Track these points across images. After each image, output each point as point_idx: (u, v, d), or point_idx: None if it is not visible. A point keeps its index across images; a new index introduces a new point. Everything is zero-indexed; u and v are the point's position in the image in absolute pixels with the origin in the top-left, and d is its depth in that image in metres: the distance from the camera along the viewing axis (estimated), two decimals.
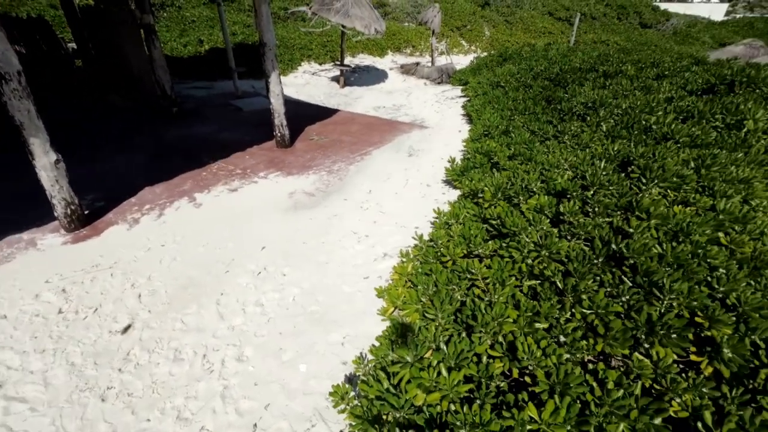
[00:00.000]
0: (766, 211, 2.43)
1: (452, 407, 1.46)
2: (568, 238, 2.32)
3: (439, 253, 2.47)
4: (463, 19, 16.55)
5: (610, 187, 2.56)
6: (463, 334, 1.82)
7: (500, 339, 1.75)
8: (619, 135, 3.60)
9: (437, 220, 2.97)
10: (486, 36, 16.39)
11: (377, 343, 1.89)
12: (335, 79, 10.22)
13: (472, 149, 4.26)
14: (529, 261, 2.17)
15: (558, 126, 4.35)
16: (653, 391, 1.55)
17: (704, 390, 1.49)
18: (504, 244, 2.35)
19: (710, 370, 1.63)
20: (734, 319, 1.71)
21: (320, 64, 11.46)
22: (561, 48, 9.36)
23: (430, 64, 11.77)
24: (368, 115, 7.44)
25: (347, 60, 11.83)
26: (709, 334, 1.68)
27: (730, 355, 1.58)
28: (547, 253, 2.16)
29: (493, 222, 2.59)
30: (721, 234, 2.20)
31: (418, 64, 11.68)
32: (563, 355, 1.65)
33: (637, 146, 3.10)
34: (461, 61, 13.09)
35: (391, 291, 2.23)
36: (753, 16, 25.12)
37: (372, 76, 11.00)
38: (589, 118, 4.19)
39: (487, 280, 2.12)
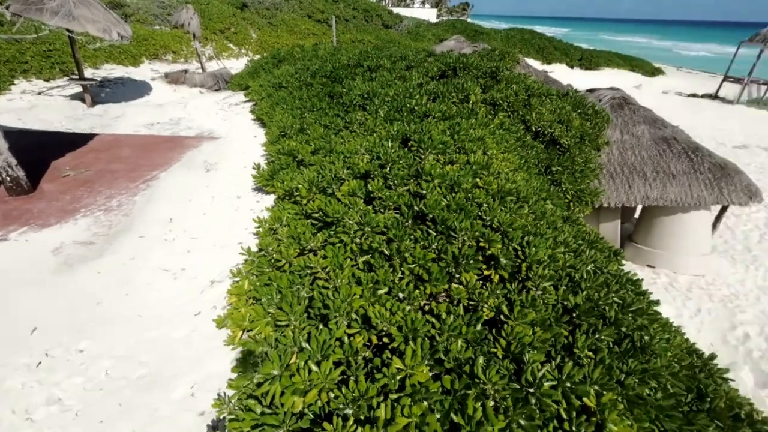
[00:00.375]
0: (498, 157, 3.39)
1: (331, 395, 1.51)
2: (382, 211, 2.65)
3: (273, 260, 2.41)
4: (225, 22, 15.80)
5: (401, 161, 3.04)
6: (321, 326, 1.86)
7: (354, 316, 1.88)
8: (394, 118, 4.26)
9: (260, 228, 2.87)
10: (253, 38, 16.17)
11: (234, 375, 1.73)
12: (78, 97, 8.16)
13: (274, 152, 4.24)
14: (357, 240, 2.37)
15: (345, 117, 4.79)
16: (470, 306, 1.99)
17: (497, 292, 2.03)
18: (332, 233, 2.49)
19: (497, 277, 2.21)
20: (500, 236, 2.36)
21: (47, 80, 8.90)
22: (328, 48, 10.19)
23: (200, 71, 10.82)
24: (140, 135, 6.32)
25: (89, 72, 9.59)
26: (490, 252, 2.26)
27: (504, 261, 2.18)
28: (369, 229, 2.41)
29: (316, 215, 2.69)
30: (478, 180, 2.95)
31: (186, 71, 10.55)
32: (405, 308, 1.92)
33: (410, 125, 3.76)
34: (234, 65, 12.56)
35: (233, 315, 2.05)
36: (454, 19, 33.41)
37: (130, 90, 9.31)
38: (368, 107, 4.78)
39: (327, 269, 2.22)
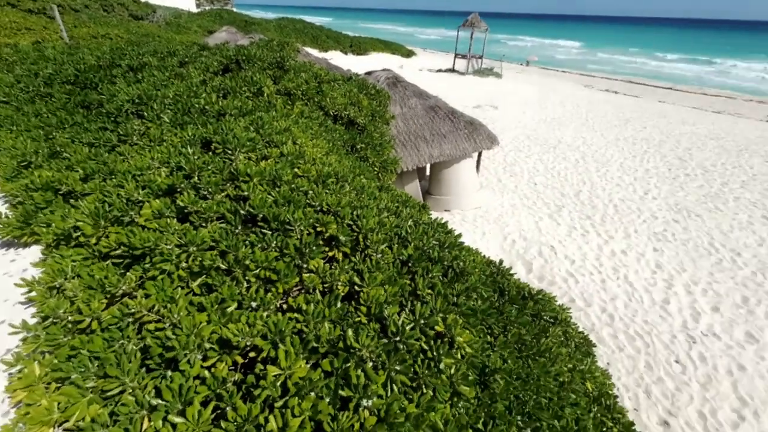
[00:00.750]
0: (308, 145, 3.48)
1: None
2: (203, 225, 2.37)
3: (69, 325, 1.86)
4: None
5: (209, 167, 2.76)
6: (169, 373, 1.59)
7: (207, 345, 1.67)
8: (184, 122, 3.77)
9: (33, 292, 2.14)
10: None
11: None
12: None
13: (19, 189, 3.15)
14: (184, 264, 2.07)
15: (117, 130, 3.94)
16: (325, 289, 2.06)
17: (346, 267, 2.15)
18: (147, 266, 2.08)
19: (341, 255, 2.34)
20: (332, 217, 2.48)
21: None
22: (59, 46, 7.97)
23: None
24: None
25: None
26: (328, 234, 2.36)
27: (343, 239, 2.32)
28: (195, 249, 2.14)
29: (117, 252, 2.20)
30: (296, 170, 2.97)
31: None
32: (263, 315, 1.83)
33: (206, 126, 3.41)
34: None
35: (32, 415, 1.51)
36: (218, 9, 31.10)
37: None
38: (146, 114, 4.06)
39: (155, 308, 1.87)
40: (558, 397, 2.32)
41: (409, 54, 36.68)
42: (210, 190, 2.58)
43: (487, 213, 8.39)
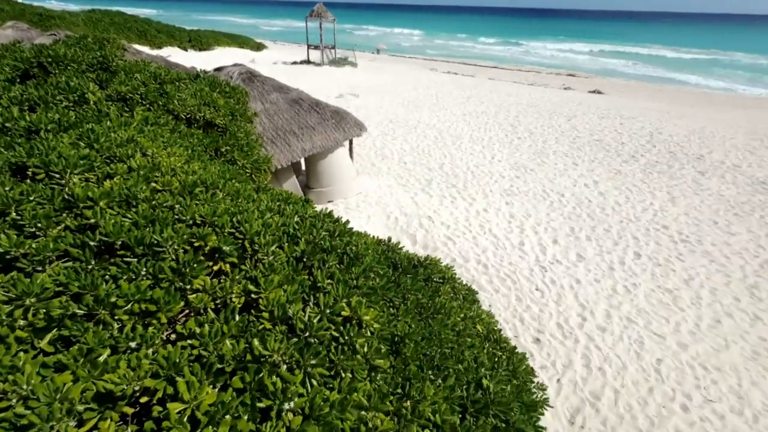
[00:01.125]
0: (162, 155, 3.07)
1: None
2: (39, 269, 1.91)
3: None
4: None
5: (30, 197, 2.21)
6: None
7: (79, 408, 1.39)
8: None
9: None
10: None
11: None
12: None
13: None
14: (22, 322, 1.65)
15: None
16: (218, 306, 1.90)
17: (237, 278, 2.02)
18: None
19: (228, 266, 2.17)
20: (210, 228, 2.27)
21: None
22: None
23: None
24: None
25: None
26: (209, 248, 2.16)
27: (227, 248, 2.16)
28: (33, 300, 1.72)
29: None
30: (154, 184, 2.61)
31: None
32: (148, 352, 1.60)
33: (14, 148, 2.70)
34: None
35: None
36: None
37: None
38: None
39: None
40: (457, 344, 2.63)
41: (259, 47, 34.87)
42: (39, 225, 2.08)
43: (367, 197, 8.74)
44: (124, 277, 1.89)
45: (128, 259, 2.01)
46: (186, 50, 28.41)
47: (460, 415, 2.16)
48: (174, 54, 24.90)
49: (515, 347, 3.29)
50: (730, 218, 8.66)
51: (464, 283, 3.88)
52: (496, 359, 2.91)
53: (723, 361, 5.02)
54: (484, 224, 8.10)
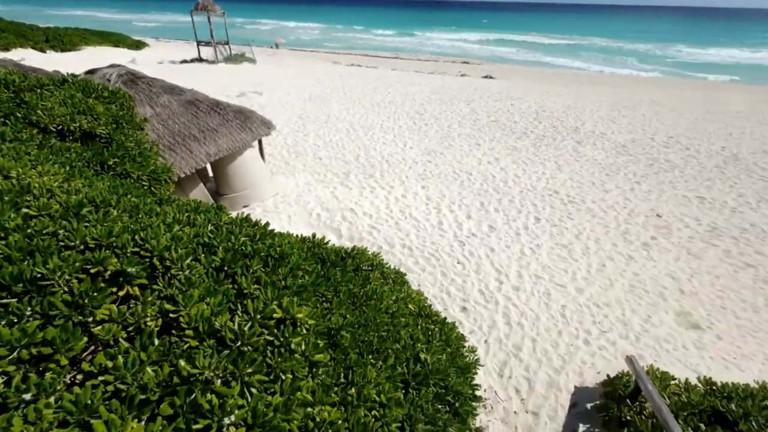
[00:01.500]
0: (31, 175, 2.62)
1: None
2: None
3: None
4: None
5: None
6: None
7: None
8: None
9: None
10: None
11: None
12: None
13: None
14: None
15: None
16: (132, 334, 1.72)
17: (150, 299, 1.84)
18: None
19: (136, 289, 1.96)
20: (108, 251, 2.02)
21: None
22: None
23: None
24: None
25: None
26: (110, 271, 1.92)
27: (131, 270, 1.95)
28: None
29: None
30: (26, 210, 2.22)
31: None
32: (51, 402, 1.39)
33: None
34: None
35: None
36: None
37: None
38: None
39: None
40: (393, 325, 2.74)
41: (139, 45, 31.08)
42: None
43: (286, 197, 8.47)
44: (3, 322, 1.60)
45: (4, 301, 1.70)
46: (44, 51, 24.14)
47: (403, 390, 2.27)
48: (28, 56, 20.95)
49: (445, 318, 3.53)
50: (603, 178, 10.24)
51: (392, 267, 4.03)
52: (430, 333, 3.09)
53: (610, 297, 5.99)
54: (404, 209, 8.41)
